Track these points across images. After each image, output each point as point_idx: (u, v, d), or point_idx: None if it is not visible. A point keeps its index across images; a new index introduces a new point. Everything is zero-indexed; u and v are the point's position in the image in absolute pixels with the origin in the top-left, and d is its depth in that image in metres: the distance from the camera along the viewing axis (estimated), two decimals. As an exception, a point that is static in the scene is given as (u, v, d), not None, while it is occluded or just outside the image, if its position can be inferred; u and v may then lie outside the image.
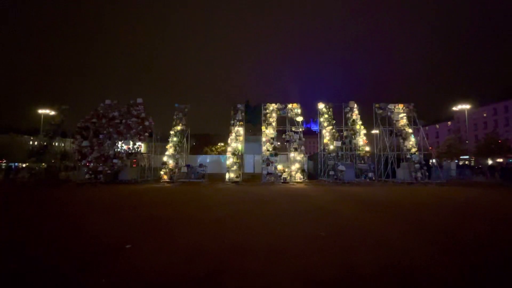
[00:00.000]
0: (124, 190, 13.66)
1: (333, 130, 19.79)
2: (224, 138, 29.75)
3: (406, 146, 18.92)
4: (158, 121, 21.86)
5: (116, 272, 3.24)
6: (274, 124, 19.92)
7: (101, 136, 18.91)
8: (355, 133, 19.82)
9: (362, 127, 20.06)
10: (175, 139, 19.91)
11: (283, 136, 19.83)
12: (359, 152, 19.36)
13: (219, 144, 54.59)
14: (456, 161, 35.89)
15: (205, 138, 58.21)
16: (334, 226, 5.65)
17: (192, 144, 35.91)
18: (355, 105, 20.67)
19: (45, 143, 21.80)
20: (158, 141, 22.40)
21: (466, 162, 38.39)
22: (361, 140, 19.59)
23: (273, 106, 20.38)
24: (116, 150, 18.60)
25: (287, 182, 17.79)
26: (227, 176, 18.29)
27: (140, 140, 19.49)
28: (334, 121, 20.31)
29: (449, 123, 64.64)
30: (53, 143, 22.84)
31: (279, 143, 20.03)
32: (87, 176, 17.87)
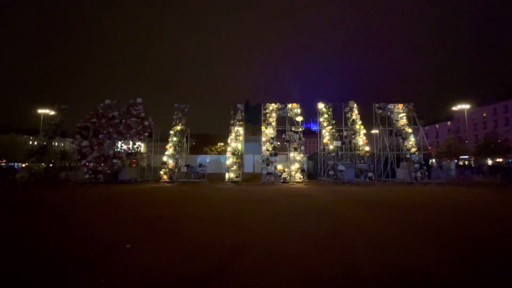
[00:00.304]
0: (123, 190, 13.65)
1: (333, 130, 19.78)
2: (224, 138, 29.75)
3: (405, 146, 18.93)
4: (157, 121, 21.87)
5: (116, 272, 3.24)
6: (274, 124, 19.91)
7: (100, 136, 18.90)
8: (354, 133, 19.81)
9: (362, 127, 20.05)
10: (174, 139, 19.90)
11: (283, 136, 19.82)
12: (358, 152, 19.36)
13: (219, 144, 54.57)
14: (456, 161, 35.93)
15: (205, 138, 58.13)
16: (334, 226, 5.65)
17: (192, 144, 35.91)
18: (355, 105, 20.67)
19: (44, 143, 21.79)
20: (158, 141, 22.37)
21: (466, 162, 38.41)
22: (360, 140, 19.58)
23: (272, 106, 20.38)
24: (115, 150, 18.59)
25: (287, 182, 17.79)
26: (227, 176, 18.29)
27: (139, 140, 19.48)
28: (334, 121, 20.30)
29: (449, 123, 64.68)
30: (53, 143, 22.82)
31: (279, 143, 20.02)
32: (86, 176, 17.87)
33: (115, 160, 18.19)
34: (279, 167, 18.66)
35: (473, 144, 44.61)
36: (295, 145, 19.06)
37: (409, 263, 3.47)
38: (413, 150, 18.65)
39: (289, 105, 20.37)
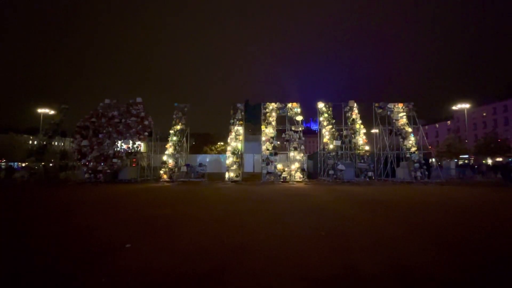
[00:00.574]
0: (123, 189, 13.65)
1: (333, 129, 19.79)
2: (224, 137, 29.73)
3: (405, 146, 18.93)
4: (157, 120, 21.84)
5: (116, 271, 3.23)
6: (273, 123, 19.91)
7: (100, 135, 18.89)
8: (354, 132, 19.82)
9: (362, 126, 20.06)
10: (174, 138, 19.90)
11: (283, 135, 19.82)
12: (358, 151, 19.36)
13: (218, 143, 54.58)
14: (456, 160, 35.92)
15: (205, 138, 58.15)
16: (334, 225, 5.65)
17: (191, 144, 35.88)
18: (355, 104, 20.66)
19: (44, 143, 21.78)
20: (158, 140, 22.37)
21: (466, 161, 38.42)
22: (360, 139, 19.59)
23: (272, 106, 20.37)
24: (115, 149, 18.58)
25: (287, 182, 17.80)
26: (227, 175, 18.30)
27: (139, 139, 19.47)
28: (334, 120, 20.30)
29: (449, 122, 64.73)
30: (53, 143, 22.82)
31: (278, 143, 20.03)
32: (86, 175, 17.87)
33: (115, 160, 18.19)
34: (279, 166, 18.67)
35: (473, 143, 44.64)
36: (295, 144, 19.07)
37: (409, 263, 3.47)
38: (413, 149, 18.66)
39: (289, 105, 20.37)
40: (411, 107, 20.09)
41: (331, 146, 19.09)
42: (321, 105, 20.73)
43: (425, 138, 21.20)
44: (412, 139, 19.04)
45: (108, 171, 18.04)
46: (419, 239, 4.60)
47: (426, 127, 65.62)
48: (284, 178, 18.26)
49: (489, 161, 38.30)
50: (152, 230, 5.22)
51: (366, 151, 19.72)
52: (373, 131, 22.93)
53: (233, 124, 19.97)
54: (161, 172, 18.94)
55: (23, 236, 4.88)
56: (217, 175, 21.22)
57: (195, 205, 8.68)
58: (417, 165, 17.97)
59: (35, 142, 24.11)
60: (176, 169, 19.16)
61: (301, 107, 20.35)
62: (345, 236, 4.79)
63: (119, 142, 18.86)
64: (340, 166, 18.16)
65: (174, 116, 20.70)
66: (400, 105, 20.16)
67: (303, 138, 19.86)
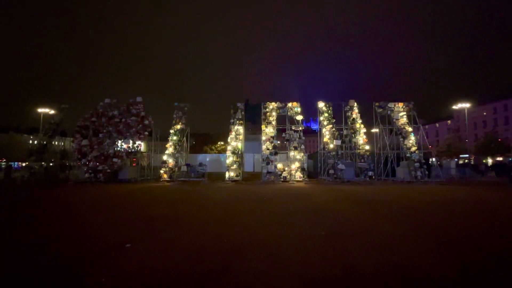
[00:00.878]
0: (123, 189, 13.65)
1: (333, 129, 19.77)
2: (224, 137, 29.74)
3: (406, 145, 18.92)
4: (157, 120, 21.84)
5: (116, 271, 3.23)
6: (274, 123, 19.89)
7: (100, 135, 18.88)
8: (355, 131, 19.80)
9: (362, 125, 20.04)
10: (174, 138, 19.89)
11: (283, 135, 19.81)
12: (359, 150, 19.35)
13: (219, 143, 54.57)
14: (456, 160, 35.91)
15: (205, 137, 58.12)
16: (334, 225, 5.65)
17: (192, 143, 35.88)
18: (355, 104, 20.65)
19: (44, 142, 21.77)
20: (158, 140, 22.35)
21: (466, 161, 38.43)
22: (361, 138, 19.57)
23: (273, 105, 20.35)
24: (115, 149, 18.57)
25: (287, 181, 17.80)
26: (227, 175, 18.30)
27: (139, 139, 19.46)
28: (334, 120, 20.28)
29: (449, 122, 64.69)
30: (53, 142, 22.82)
31: (279, 142, 20.02)
32: (86, 175, 17.85)
33: (115, 159, 18.18)
34: (279, 166, 18.66)
35: (473, 143, 44.63)
36: (295, 144, 19.05)
37: (409, 262, 3.46)
38: (413, 149, 18.64)
39: (289, 104, 20.35)
40: (411, 106, 20.06)
41: (331, 146, 19.08)
42: (321, 104, 20.71)
43: (425, 138, 21.17)
44: (412, 139, 19.02)
45: (108, 170, 18.03)
46: (419, 238, 4.60)
47: (426, 126, 65.62)
48: (284, 177, 18.25)
49: (489, 161, 38.31)
50: (152, 230, 5.22)
51: (366, 150, 19.71)
52: (373, 130, 22.91)
53: (233, 123, 19.96)
54: (161, 171, 18.94)
55: (22, 236, 4.87)
56: (217, 175, 21.22)
57: (195, 204, 8.68)
58: (417, 164, 17.95)
59: (35, 142, 24.09)
60: (176, 168, 19.16)
61: (301, 106, 20.35)
62: (345, 235, 4.78)
63: (119, 141, 18.85)
64: (340, 166, 18.15)
65: (174, 116, 20.69)
66: (400, 104, 20.13)
67: (303, 138, 19.84)
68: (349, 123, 20.22)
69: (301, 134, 19.75)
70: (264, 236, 4.73)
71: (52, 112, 26.72)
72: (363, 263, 3.42)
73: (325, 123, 20.03)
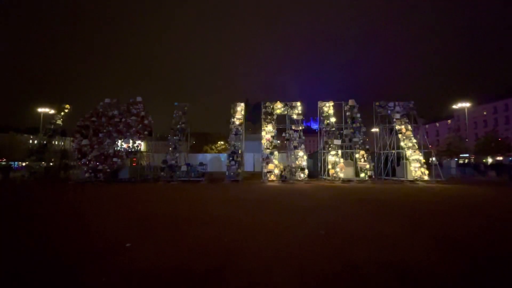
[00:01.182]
0: (123, 188, 13.66)
1: (333, 128, 19.77)
2: (224, 136, 29.76)
3: (406, 144, 18.89)
4: (157, 120, 21.85)
5: (116, 270, 3.23)
6: (274, 122, 19.89)
7: (100, 134, 18.89)
8: (355, 131, 19.80)
9: (362, 125, 20.04)
10: (174, 137, 19.90)
11: (283, 134, 19.81)
12: (359, 150, 19.34)
13: (219, 142, 54.64)
14: (456, 159, 35.90)
15: (205, 137, 58.18)
16: (334, 224, 5.64)
17: (192, 143, 35.91)
18: (355, 103, 20.64)
19: (44, 142, 21.79)
20: (158, 139, 22.37)
21: (466, 161, 38.41)
22: (361, 138, 19.56)
23: (273, 105, 20.36)
24: (115, 148, 18.59)
25: (287, 181, 17.80)
26: (227, 174, 18.29)
27: (139, 138, 19.47)
28: (334, 119, 20.28)
29: (449, 121, 64.70)
30: (53, 142, 22.85)
31: (279, 142, 20.01)
32: (86, 175, 17.87)
33: (115, 159, 18.19)
34: (280, 165, 18.65)
35: (473, 142, 44.61)
36: (295, 143, 19.05)
37: (409, 261, 3.46)
38: (414, 148, 18.61)
39: (289, 104, 20.36)
40: (411, 106, 20.06)
41: (331, 145, 19.07)
42: (321, 104, 20.72)
43: (425, 137, 21.15)
44: (412, 138, 19.00)
45: (108, 170, 18.05)
46: (420, 237, 4.59)
47: (427, 126, 65.67)
48: (285, 177, 18.26)
49: (490, 160, 38.30)
50: (152, 229, 5.22)
51: (367, 150, 19.70)
52: (374, 130, 22.89)
53: (233, 123, 19.97)
54: (161, 171, 18.95)
55: (22, 236, 4.87)
56: (217, 174, 21.24)
57: (195, 204, 8.68)
58: (417, 164, 17.94)
59: (35, 142, 24.12)
60: (176, 168, 19.15)
61: (301, 106, 20.35)
62: (345, 235, 4.78)
63: (119, 141, 18.86)
64: (340, 165, 18.15)
65: (174, 115, 20.69)
66: (401, 103, 20.13)
67: (303, 137, 19.84)
68: (349, 122, 20.21)
69: (301, 133, 19.75)
70: (264, 235, 4.73)
71: (52, 111, 26.72)
72: (363, 262, 3.42)
73: (326, 122, 20.02)
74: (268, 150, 18.73)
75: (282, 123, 20.21)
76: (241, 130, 19.83)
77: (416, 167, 17.79)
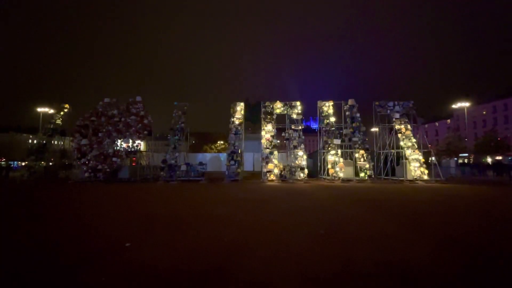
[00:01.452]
0: (123, 188, 13.65)
1: (333, 128, 19.78)
2: (224, 136, 29.75)
3: (405, 144, 18.91)
4: (157, 119, 21.85)
5: (116, 270, 3.23)
6: (273, 122, 19.89)
7: (100, 134, 18.87)
8: (354, 131, 19.81)
9: (362, 124, 20.05)
10: (174, 137, 19.88)
11: (283, 134, 19.81)
12: (358, 150, 19.35)
13: (218, 142, 54.62)
14: (455, 159, 35.93)
15: (205, 136, 58.19)
16: (334, 224, 5.65)
17: (191, 142, 35.88)
18: (355, 103, 20.65)
19: (44, 142, 21.76)
20: (158, 139, 22.35)
21: (465, 160, 38.45)
22: (360, 138, 19.57)
23: (272, 104, 20.36)
24: (115, 148, 18.57)
25: (287, 180, 17.81)
26: (226, 174, 18.29)
27: (139, 138, 19.45)
28: (334, 119, 20.29)
29: (449, 121, 64.71)
30: (52, 142, 22.83)
31: (278, 141, 20.02)
32: (86, 174, 17.85)
33: (114, 159, 18.18)
34: (279, 165, 18.65)
35: (472, 142, 44.65)
36: (295, 143, 19.06)
37: (409, 261, 3.46)
38: (413, 148, 18.63)
39: (289, 103, 20.36)
40: (411, 105, 20.07)
41: (331, 145, 19.07)
42: (321, 103, 20.72)
43: (425, 137, 21.17)
44: (411, 138, 19.02)
45: (108, 170, 18.03)
46: (420, 237, 4.60)
47: (426, 125, 65.68)
48: (284, 176, 18.26)
49: (489, 160, 38.34)
50: (152, 229, 5.22)
51: (366, 149, 19.71)
52: (373, 129, 22.90)
53: (233, 122, 19.96)
54: (161, 171, 18.93)
55: (22, 236, 4.87)
56: (217, 174, 21.23)
57: (195, 203, 8.68)
58: (417, 163, 17.96)
59: (35, 141, 24.09)
60: (176, 168, 19.14)
61: (301, 105, 20.35)
62: (345, 234, 4.78)
63: (119, 141, 18.84)
64: (339, 165, 18.16)
65: (174, 115, 20.67)
66: (400, 103, 20.14)
67: (303, 137, 19.85)
68: (349, 122, 20.22)
69: (301, 133, 19.75)
70: (264, 235, 4.73)
71: (51, 111, 26.68)
72: (363, 262, 3.42)
73: (325, 122, 20.02)
74: (267, 149, 18.74)
75: (281, 122, 20.22)
76: (240, 130, 19.83)
77: (415, 167, 17.82)
